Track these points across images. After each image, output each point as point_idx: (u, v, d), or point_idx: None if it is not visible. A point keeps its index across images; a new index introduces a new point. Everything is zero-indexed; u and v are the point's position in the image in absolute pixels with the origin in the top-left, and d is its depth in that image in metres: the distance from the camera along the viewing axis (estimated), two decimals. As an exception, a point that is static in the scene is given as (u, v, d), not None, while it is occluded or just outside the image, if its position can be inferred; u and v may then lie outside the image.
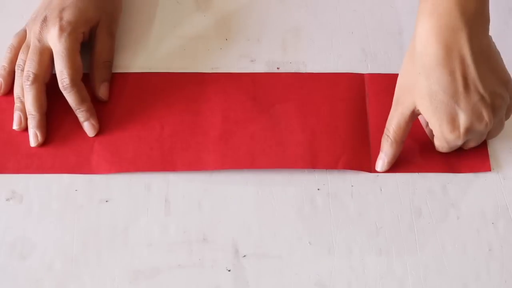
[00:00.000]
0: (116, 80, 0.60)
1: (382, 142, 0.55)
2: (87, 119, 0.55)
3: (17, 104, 0.55)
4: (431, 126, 0.51)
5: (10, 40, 0.60)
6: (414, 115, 0.52)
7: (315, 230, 0.52)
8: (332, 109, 0.58)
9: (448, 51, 0.47)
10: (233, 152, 0.55)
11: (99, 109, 0.57)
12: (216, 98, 0.57)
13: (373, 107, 0.58)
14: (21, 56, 0.56)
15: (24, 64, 0.55)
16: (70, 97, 0.55)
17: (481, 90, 0.47)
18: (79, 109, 0.55)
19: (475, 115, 0.48)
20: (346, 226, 0.52)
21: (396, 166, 0.55)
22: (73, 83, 0.54)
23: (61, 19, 0.55)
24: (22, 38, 0.57)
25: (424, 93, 0.49)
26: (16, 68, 0.56)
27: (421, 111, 0.51)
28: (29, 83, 0.54)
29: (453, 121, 0.49)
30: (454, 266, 0.50)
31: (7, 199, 0.52)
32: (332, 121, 0.57)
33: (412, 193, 0.54)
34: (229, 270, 0.50)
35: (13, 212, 0.52)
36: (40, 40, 0.55)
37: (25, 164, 0.55)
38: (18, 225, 0.52)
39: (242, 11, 0.64)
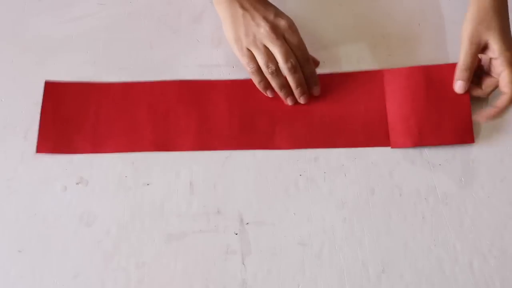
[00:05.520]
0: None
1: (458, 71, 0.56)
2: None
3: (285, 90, 0.57)
4: (501, 56, 0.53)
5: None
6: (483, 49, 0.55)
7: (298, 204, 0.54)
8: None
9: None
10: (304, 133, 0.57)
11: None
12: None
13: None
14: (266, 60, 0.55)
15: (273, 63, 0.55)
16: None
17: None
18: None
19: None
20: (320, 202, 0.54)
21: (405, 138, 0.56)
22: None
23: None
24: (253, 58, 0.56)
25: (498, 29, 0.53)
26: (269, 71, 0.56)
27: (494, 43, 0.53)
28: (293, 70, 0.55)
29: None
30: (397, 229, 0.53)
31: (77, 183, 0.55)
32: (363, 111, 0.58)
33: (367, 178, 0.55)
34: (236, 234, 0.53)
35: (81, 193, 0.54)
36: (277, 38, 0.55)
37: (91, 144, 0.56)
38: (84, 202, 0.54)
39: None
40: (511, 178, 0.55)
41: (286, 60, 0.55)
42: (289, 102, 0.58)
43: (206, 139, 0.57)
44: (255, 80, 0.57)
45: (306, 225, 0.53)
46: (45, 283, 0.50)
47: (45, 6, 0.65)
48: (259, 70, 0.56)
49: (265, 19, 0.56)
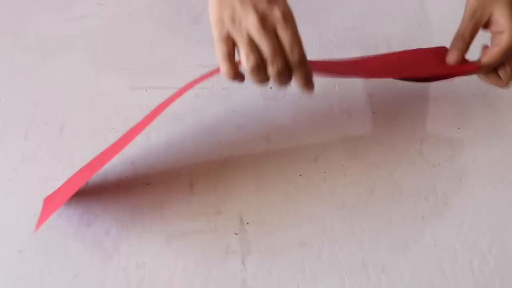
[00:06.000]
0: None
1: (455, 42, 0.53)
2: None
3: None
4: (506, 29, 0.50)
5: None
6: (486, 23, 0.51)
7: (298, 204, 0.54)
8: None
9: None
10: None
11: None
12: None
13: None
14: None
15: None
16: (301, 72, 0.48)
17: None
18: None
19: None
20: (320, 202, 0.54)
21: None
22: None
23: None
24: (230, 43, 0.47)
25: (503, 3, 0.50)
26: (249, 65, 0.46)
27: (500, 17, 0.50)
28: (279, 75, 0.47)
29: None
30: (397, 229, 0.53)
31: None
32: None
33: (367, 178, 0.55)
34: (236, 234, 0.53)
35: (81, 193, 0.54)
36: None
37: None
38: (84, 202, 0.54)
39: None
40: (511, 178, 0.55)
41: (272, 61, 0.46)
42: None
43: None
44: (222, 69, 0.47)
45: (306, 225, 0.53)
46: (45, 283, 0.50)
47: (45, 6, 0.65)
48: (231, 56, 0.47)
49: (255, 6, 0.46)
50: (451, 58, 0.53)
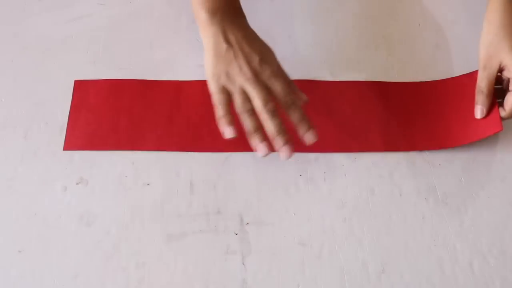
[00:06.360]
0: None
1: (477, 98, 0.55)
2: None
3: (259, 133, 0.52)
4: None
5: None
6: (498, 71, 0.54)
7: (298, 204, 0.54)
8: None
9: None
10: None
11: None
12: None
13: None
14: (241, 102, 0.51)
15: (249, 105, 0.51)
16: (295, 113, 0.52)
17: None
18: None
19: None
20: (320, 202, 0.54)
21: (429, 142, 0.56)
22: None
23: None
24: (226, 93, 0.52)
25: (508, 51, 0.53)
26: (243, 112, 0.51)
27: (509, 63, 0.53)
28: (271, 114, 0.51)
29: None
30: (397, 229, 0.53)
31: (77, 183, 0.54)
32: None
33: (367, 178, 0.55)
34: (236, 234, 0.52)
35: (81, 193, 0.54)
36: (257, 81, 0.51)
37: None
38: (84, 202, 0.54)
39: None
40: (511, 178, 0.55)
41: (265, 104, 0.50)
42: (261, 149, 0.51)
43: (206, 140, 0.57)
44: (219, 113, 0.52)
45: (306, 225, 0.53)
46: (45, 283, 0.50)
47: (45, 6, 0.65)
48: (227, 104, 0.52)
49: (248, 63, 0.51)
50: (477, 113, 0.56)
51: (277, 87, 0.51)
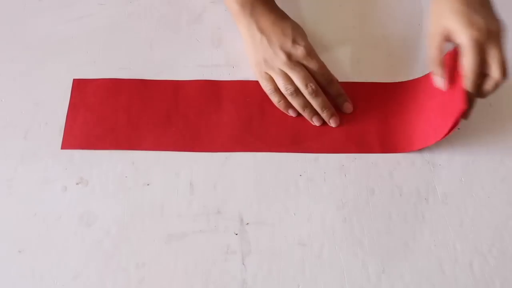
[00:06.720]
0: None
1: (433, 69, 0.53)
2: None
3: (308, 110, 0.56)
4: (458, 33, 0.49)
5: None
6: (444, 35, 0.51)
7: (298, 205, 0.54)
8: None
9: None
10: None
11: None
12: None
13: None
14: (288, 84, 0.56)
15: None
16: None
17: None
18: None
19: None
20: (320, 202, 0.54)
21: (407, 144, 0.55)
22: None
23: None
24: (271, 79, 0.57)
25: (449, 13, 0.49)
26: (288, 95, 0.56)
27: (450, 28, 0.49)
28: (314, 94, 0.55)
29: (472, 23, 0.48)
30: (397, 229, 0.53)
31: (77, 183, 0.54)
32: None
33: (367, 177, 0.55)
34: (236, 234, 0.52)
35: (81, 193, 0.54)
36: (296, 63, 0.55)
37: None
38: (84, 202, 0.53)
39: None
40: (511, 178, 0.55)
41: (306, 85, 0.55)
42: (315, 122, 0.57)
43: (205, 140, 0.57)
44: (274, 100, 0.57)
45: (306, 225, 0.53)
46: (45, 283, 0.50)
47: (45, 6, 0.65)
48: (277, 90, 0.57)
49: (282, 48, 0.56)
50: (439, 84, 0.53)
51: (313, 66, 0.56)
